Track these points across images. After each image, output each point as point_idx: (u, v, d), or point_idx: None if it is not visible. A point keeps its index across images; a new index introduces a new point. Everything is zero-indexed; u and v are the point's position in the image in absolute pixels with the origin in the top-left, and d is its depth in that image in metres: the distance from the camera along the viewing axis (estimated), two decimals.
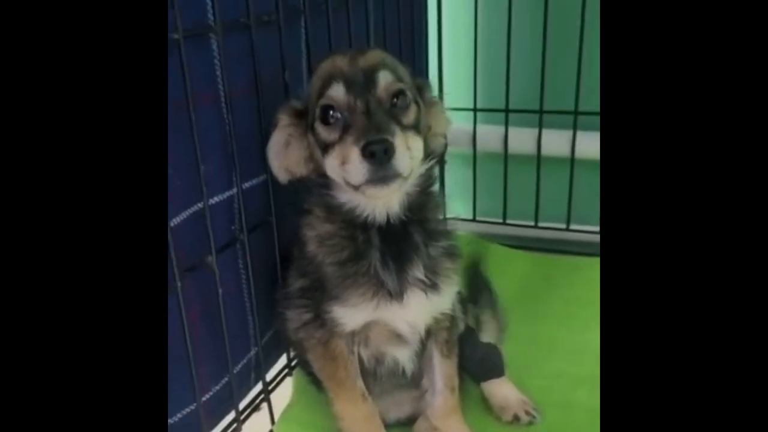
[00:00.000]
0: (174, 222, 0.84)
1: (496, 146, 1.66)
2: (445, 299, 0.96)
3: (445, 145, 0.98)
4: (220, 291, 0.91)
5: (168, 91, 0.75)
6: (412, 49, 1.47)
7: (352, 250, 0.89)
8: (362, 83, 0.81)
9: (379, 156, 0.76)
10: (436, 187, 0.95)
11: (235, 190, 0.94)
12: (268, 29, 0.96)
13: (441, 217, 0.95)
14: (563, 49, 1.50)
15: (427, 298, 0.92)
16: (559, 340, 1.29)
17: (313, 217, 0.92)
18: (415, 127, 0.84)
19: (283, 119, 0.89)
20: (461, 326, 1.04)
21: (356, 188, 0.81)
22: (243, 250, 0.98)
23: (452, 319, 1.01)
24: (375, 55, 0.86)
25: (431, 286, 0.92)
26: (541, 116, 1.57)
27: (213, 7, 0.84)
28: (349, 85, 0.82)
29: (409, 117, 0.84)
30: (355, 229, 0.89)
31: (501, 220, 1.71)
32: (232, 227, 0.96)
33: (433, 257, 0.92)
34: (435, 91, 0.95)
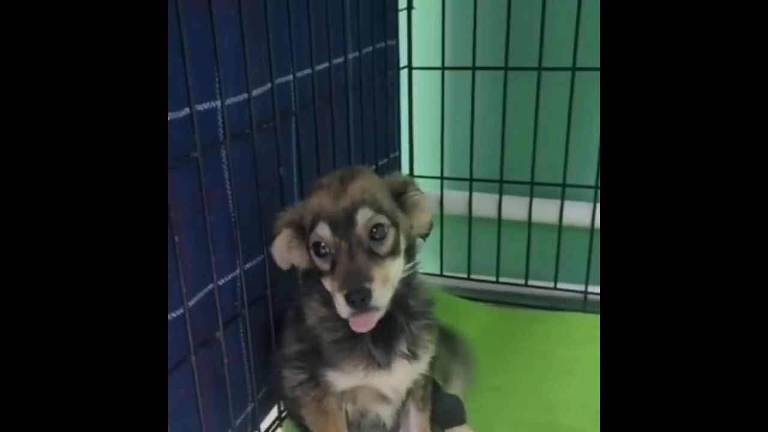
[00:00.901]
0: (190, 303, 0.99)
1: (462, 210, 1.84)
2: (423, 365, 1.12)
3: (431, 226, 1.08)
4: (226, 361, 1.07)
5: (188, 195, 0.94)
6: (386, 127, 1.65)
7: (347, 331, 1.02)
8: (344, 223, 0.95)
9: (359, 303, 0.91)
10: (417, 278, 1.09)
11: (238, 271, 1.10)
12: (265, 132, 1.13)
13: (420, 299, 1.09)
14: (521, 126, 1.69)
15: (410, 366, 1.08)
16: (517, 389, 1.45)
17: (312, 300, 1.06)
18: (393, 252, 0.97)
19: (284, 231, 1.03)
20: (430, 387, 1.21)
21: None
22: (244, 322, 1.14)
23: (427, 378, 1.17)
24: (355, 190, 0.96)
25: (413, 356, 1.07)
26: (501, 185, 1.76)
27: (223, 125, 1.01)
28: (334, 226, 0.95)
29: (387, 245, 0.96)
30: None
31: (466, 276, 1.89)
32: (235, 303, 1.12)
33: (414, 333, 1.07)
34: (417, 189, 1.05)
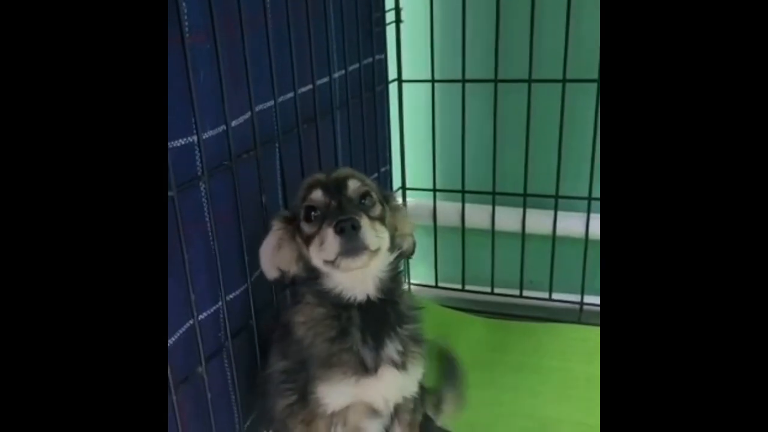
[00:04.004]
0: (170, 342, 0.99)
1: (455, 221, 1.82)
2: (412, 380, 1.11)
3: (414, 243, 1.13)
4: (209, 395, 1.06)
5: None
6: (375, 142, 1.63)
7: (338, 329, 1.04)
8: (336, 187, 1.01)
9: (348, 231, 0.93)
10: (401, 277, 1.11)
11: (220, 303, 1.09)
12: (248, 161, 1.11)
13: (407, 303, 1.10)
14: (512, 138, 1.68)
15: (398, 374, 1.07)
16: (510, 405, 1.45)
17: (304, 305, 1.07)
18: (381, 220, 1.02)
19: (276, 224, 1.06)
20: (419, 416, 1.20)
21: (333, 263, 0.97)
22: (228, 354, 1.13)
23: (415, 401, 1.16)
24: (346, 170, 1.06)
25: (401, 364, 1.07)
26: (494, 197, 1.74)
27: (201, 160, 1.00)
28: (326, 190, 1.01)
29: (375, 212, 1.02)
30: (341, 309, 1.04)
31: (460, 287, 1.88)
32: (218, 334, 1.11)
33: (402, 338, 1.07)
34: (399, 200, 1.13)
